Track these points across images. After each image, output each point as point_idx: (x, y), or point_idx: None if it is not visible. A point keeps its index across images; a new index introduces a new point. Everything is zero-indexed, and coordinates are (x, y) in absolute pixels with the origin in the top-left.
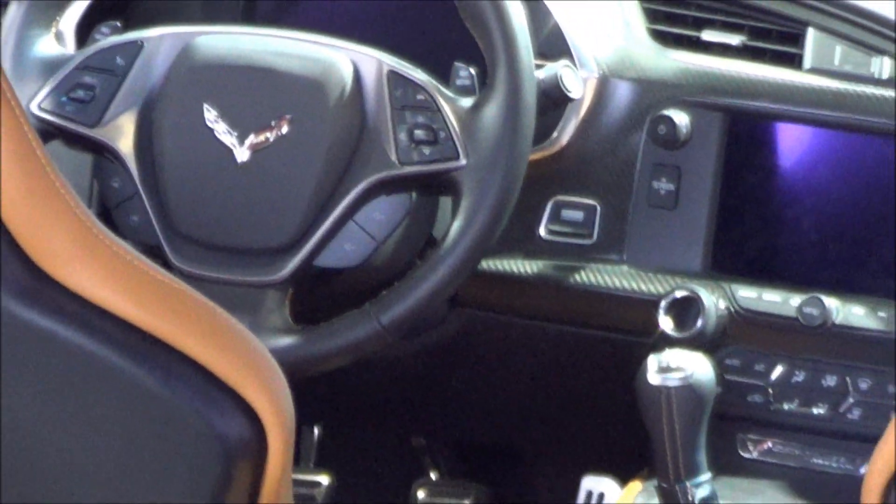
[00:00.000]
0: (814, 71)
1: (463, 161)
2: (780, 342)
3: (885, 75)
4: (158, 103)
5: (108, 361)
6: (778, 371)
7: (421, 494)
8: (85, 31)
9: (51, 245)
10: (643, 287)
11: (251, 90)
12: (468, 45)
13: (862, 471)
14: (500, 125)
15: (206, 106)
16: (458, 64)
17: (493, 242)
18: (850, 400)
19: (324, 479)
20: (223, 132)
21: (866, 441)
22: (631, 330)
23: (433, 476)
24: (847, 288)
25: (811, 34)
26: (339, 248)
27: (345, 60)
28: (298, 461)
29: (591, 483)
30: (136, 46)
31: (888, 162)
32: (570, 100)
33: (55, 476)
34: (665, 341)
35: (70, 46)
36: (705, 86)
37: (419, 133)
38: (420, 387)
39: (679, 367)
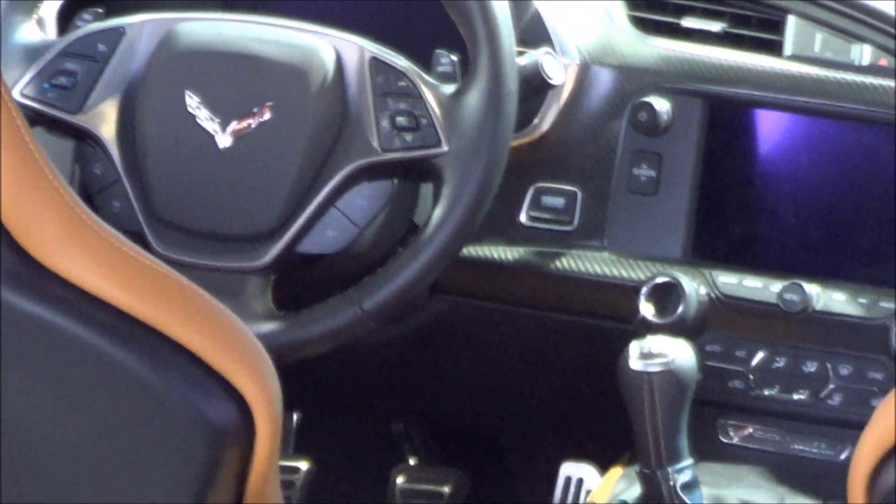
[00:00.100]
0: (794, 58)
1: (445, 147)
2: (761, 328)
3: (865, 62)
4: (140, 90)
5: (98, 347)
6: (759, 357)
7: (400, 480)
8: (67, 18)
9: (41, 232)
10: (624, 273)
11: (233, 77)
12: (449, 33)
13: (842, 456)
14: (481, 112)
15: (188, 92)
16: (439, 51)
17: (476, 229)
18: (831, 386)
19: (303, 465)
20: (205, 118)
21: (847, 427)
22: (611, 316)
23: (412, 462)
24: (827, 274)
25: (791, 21)
26: (321, 234)
27: (327, 47)
28: None
29: (571, 469)
30: (118, 33)
31: (868, 148)
32: (551, 86)
33: (44, 460)
34: (646, 327)
35: (52, 33)
36: (686, 73)
37: (401, 119)
38: (400, 373)
39: (661, 352)
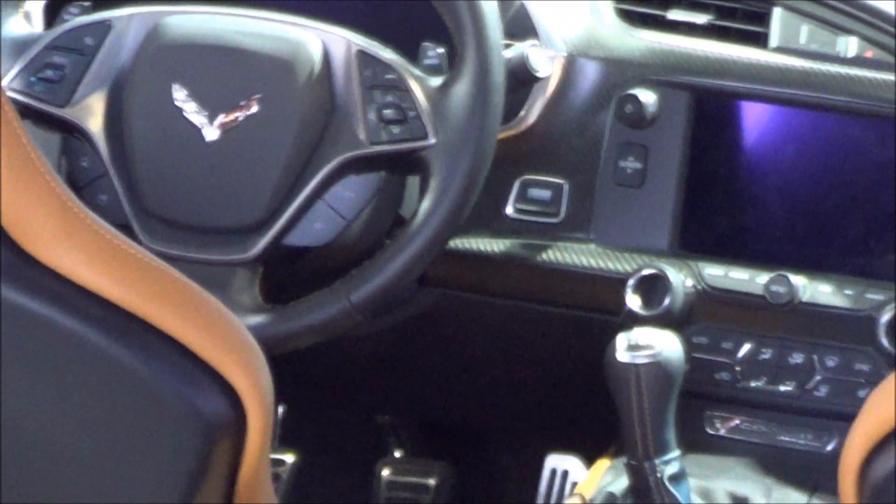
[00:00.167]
0: (780, 50)
1: (432, 140)
2: (748, 320)
3: (851, 54)
4: (128, 83)
5: (90, 341)
6: (745, 349)
7: (385, 473)
8: (54, 12)
9: (34, 226)
10: (610, 265)
11: (220, 70)
12: (436, 25)
13: (829, 447)
14: (468, 104)
15: (175, 85)
16: (426, 44)
17: (463, 221)
18: (817, 377)
19: (288, 458)
20: (192, 112)
21: (833, 418)
22: (598, 308)
23: (398, 454)
24: (814, 266)
25: (777, 13)
26: (308, 226)
27: (314, 40)
28: None
29: (556, 461)
30: (105, 26)
31: (854, 140)
32: (537, 79)
33: (37, 453)
34: (632, 319)
35: (39, 26)
36: (672, 65)
37: (388, 112)
38: (385, 365)
39: (648, 344)
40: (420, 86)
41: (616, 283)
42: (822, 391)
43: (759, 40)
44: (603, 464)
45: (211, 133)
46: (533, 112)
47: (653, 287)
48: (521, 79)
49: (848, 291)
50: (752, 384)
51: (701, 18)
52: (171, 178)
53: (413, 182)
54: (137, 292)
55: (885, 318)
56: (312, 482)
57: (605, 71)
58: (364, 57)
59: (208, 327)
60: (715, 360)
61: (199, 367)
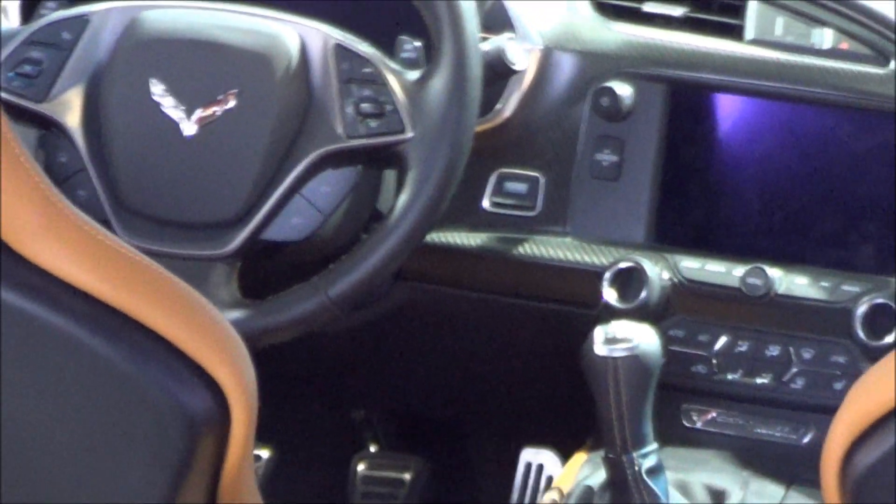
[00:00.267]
0: (755, 42)
1: (409, 134)
2: (724, 312)
3: (826, 46)
4: (105, 78)
5: (74, 337)
6: (722, 341)
7: (361, 467)
8: (31, 6)
9: (17, 220)
10: (587, 259)
11: (198, 64)
12: (413, 19)
13: (805, 440)
14: (446, 98)
15: (153, 80)
16: (402, 37)
17: (440, 215)
18: (794, 369)
19: (263, 453)
20: (170, 106)
21: (809, 410)
22: (575, 301)
23: (373, 449)
24: (790, 258)
25: (752, 5)
26: (286, 221)
27: (291, 34)
28: None
29: (531, 455)
30: (83, 21)
31: (829, 132)
32: (514, 72)
33: (19, 448)
34: (609, 312)
35: (15, 21)
36: (648, 57)
37: (365, 106)
38: (361, 360)
39: (625, 338)
40: (397, 79)
41: (592, 277)
42: (799, 383)
43: (735, 32)
44: (580, 457)
45: (189, 128)
46: (509, 105)
47: (629, 280)
48: (498, 72)
49: (824, 283)
50: (729, 377)
51: (677, 11)
52: (149, 172)
53: (389, 176)
54: (121, 288)
55: (861, 310)
56: (287, 477)
57: (581, 64)
58: (341, 51)
59: (192, 323)
60: (691, 353)
61: (183, 362)
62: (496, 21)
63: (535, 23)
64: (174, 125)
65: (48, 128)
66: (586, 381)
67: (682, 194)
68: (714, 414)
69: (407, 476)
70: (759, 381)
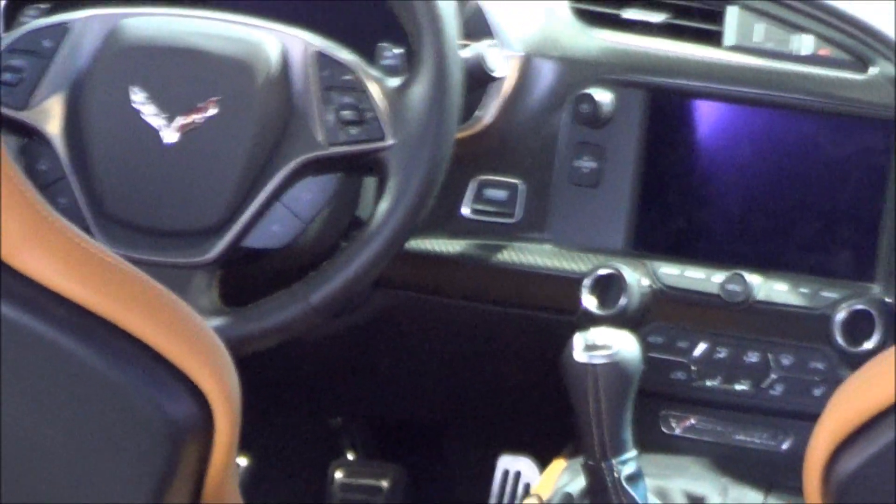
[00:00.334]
0: (735, 48)
1: (390, 141)
2: (703, 319)
3: (806, 52)
4: (86, 85)
5: (58, 344)
6: (701, 348)
7: (338, 475)
8: (11, 14)
9: (3, 229)
10: (566, 265)
11: (178, 72)
12: (393, 26)
13: (784, 446)
14: (426, 105)
15: (133, 88)
16: (383, 44)
17: (421, 222)
18: (773, 376)
19: (241, 461)
20: (151, 114)
21: (788, 417)
22: (554, 308)
23: (350, 457)
24: (769, 264)
25: (732, 12)
26: (266, 228)
27: (272, 41)
28: None
29: (508, 462)
30: (63, 28)
31: (809, 138)
32: (494, 79)
33: (4, 454)
34: (588, 319)
35: None
36: (627, 64)
37: (346, 113)
38: (339, 367)
39: (605, 344)
40: (378, 87)
41: (572, 283)
42: (778, 390)
43: (714, 39)
44: (559, 464)
45: (169, 135)
46: (489, 112)
47: (608, 287)
48: (478, 79)
49: (803, 290)
50: (708, 383)
51: (656, 17)
52: (130, 180)
53: (369, 184)
54: (105, 295)
55: (840, 316)
56: (265, 485)
57: (560, 70)
58: (322, 58)
59: (175, 330)
60: (670, 360)
61: (167, 369)
62: (476, 28)
63: (515, 30)
64: (155, 133)
65: (29, 135)
66: (566, 387)
67: (661, 201)
68: (693, 420)
69: (384, 483)
70: (738, 387)
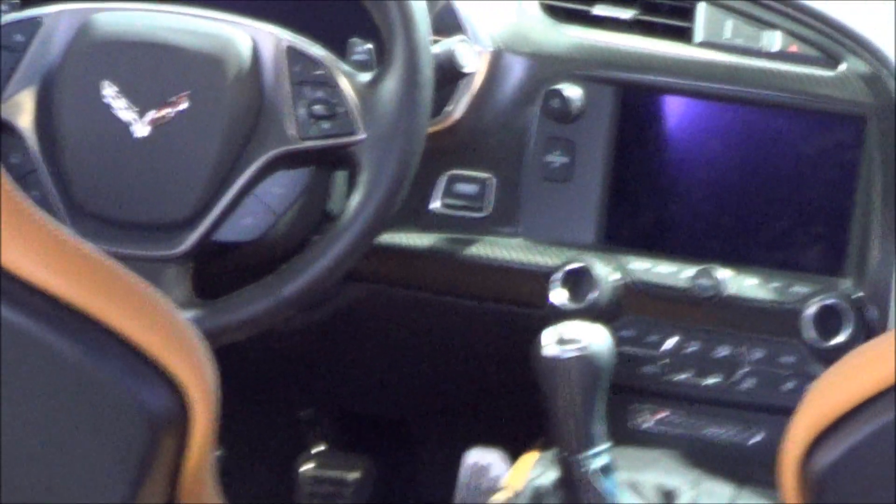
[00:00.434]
0: (704, 45)
1: (361, 135)
2: (674, 313)
3: (775, 49)
4: (58, 79)
5: (33, 334)
6: (671, 342)
7: (307, 467)
8: None
9: None
10: (537, 259)
11: (150, 66)
12: (364, 21)
13: (754, 440)
14: (398, 100)
15: (105, 82)
16: (354, 39)
17: (392, 216)
18: (743, 370)
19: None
20: (122, 108)
21: (758, 411)
22: (524, 302)
23: (319, 449)
24: (739, 259)
25: (701, 8)
26: (238, 222)
27: (243, 36)
28: None
29: (477, 456)
30: (35, 23)
31: (779, 134)
32: (465, 74)
33: None
34: (559, 313)
35: None
36: (597, 60)
37: (318, 108)
38: (308, 360)
39: (576, 338)
40: (349, 81)
41: (542, 277)
42: (748, 384)
43: (684, 35)
44: (531, 457)
45: (141, 129)
46: (459, 107)
47: (579, 281)
48: (449, 74)
49: (773, 284)
50: (679, 377)
51: (626, 14)
52: (102, 174)
53: (340, 178)
54: (81, 286)
55: (810, 310)
56: (233, 477)
57: (531, 66)
58: (293, 53)
59: (152, 321)
60: (641, 354)
61: (144, 361)
62: (446, 23)
63: (485, 25)
64: (126, 127)
65: (0, 129)
66: (537, 381)
67: (631, 196)
68: (664, 414)
69: (353, 476)
70: (708, 381)
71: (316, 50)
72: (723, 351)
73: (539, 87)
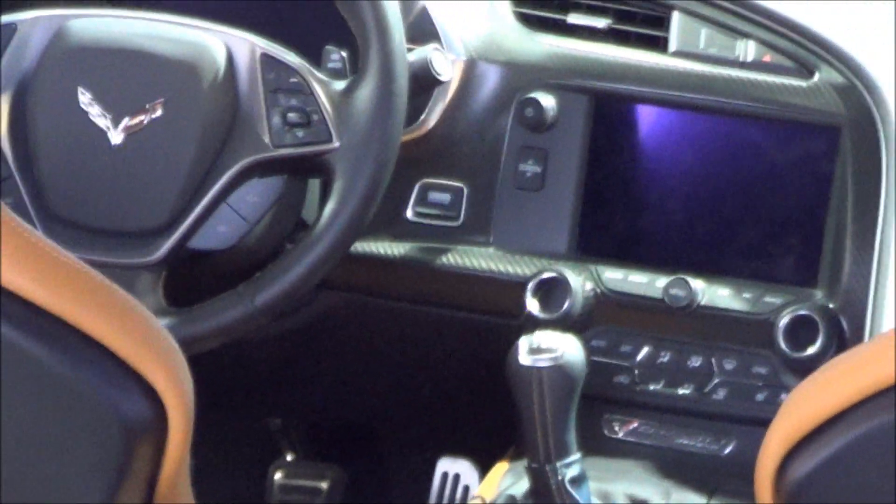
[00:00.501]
0: (679, 54)
1: (336, 143)
2: (647, 323)
3: (750, 59)
4: (32, 86)
5: (11, 341)
6: (644, 352)
7: (278, 476)
8: None
9: None
10: (510, 269)
11: (125, 73)
12: (339, 29)
13: (727, 450)
14: (372, 108)
15: (80, 89)
16: (328, 47)
17: (366, 225)
18: (716, 380)
19: None
20: (97, 115)
21: (731, 421)
22: (498, 312)
23: (290, 458)
24: (713, 269)
25: (676, 17)
26: (212, 229)
27: (218, 44)
28: None
29: (448, 465)
30: (10, 29)
31: (753, 144)
32: (440, 82)
33: None
34: (532, 323)
35: None
36: (571, 69)
37: (292, 116)
38: (280, 368)
39: (550, 348)
40: (324, 89)
41: (515, 287)
42: (721, 394)
43: (659, 44)
44: (502, 466)
45: (116, 136)
46: (433, 115)
47: (552, 290)
48: (424, 82)
49: (746, 295)
50: (651, 387)
51: (600, 23)
52: (76, 181)
53: (314, 186)
54: (59, 294)
55: (784, 321)
56: (204, 486)
57: (505, 75)
58: (268, 60)
59: (128, 328)
60: (614, 364)
61: (120, 368)
62: (421, 32)
63: (460, 34)
64: (101, 133)
65: None
66: (509, 390)
67: (605, 205)
68: (636, 424)
69: (324, 485)
70: (681, 391)
71: (291, 57)
72: (695, 361)
73: (512, 96)
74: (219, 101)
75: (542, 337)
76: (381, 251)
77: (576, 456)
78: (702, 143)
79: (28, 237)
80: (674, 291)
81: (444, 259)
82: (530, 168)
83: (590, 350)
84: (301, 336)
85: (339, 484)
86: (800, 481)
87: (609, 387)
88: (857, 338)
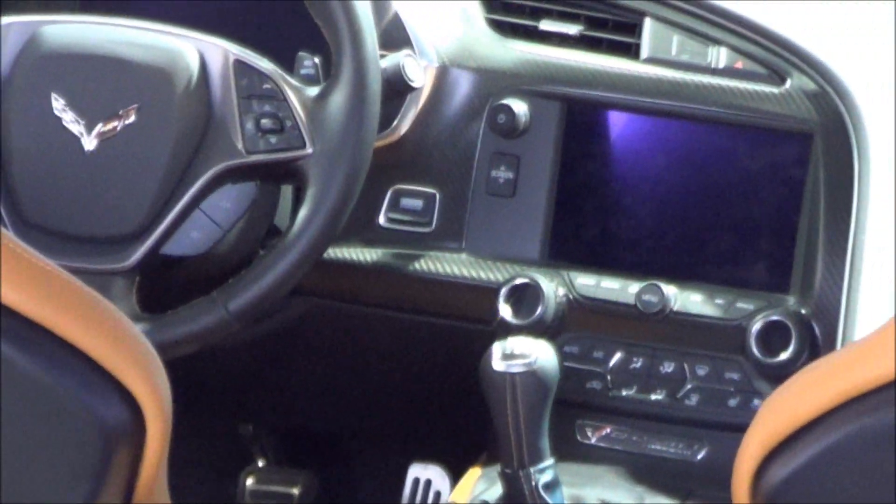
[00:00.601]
0: (651, 60)
1: (309, 150)
2: (619, 329)
3: (721, 65)
4: (5, 92)
5: None
6: (616, 358)
7: (249, 482)
8: None
9: None
10: (482, 275)
11: (98, 79)
12: (312, 35)
13: (699, 456)
14: (345, 114)
15: (53, 95)
16: (302, 53)
17: (339, 231)
18: (688, 386)
19: None
20: (71, 121)
21: (703, 427)
22: (470, 317)
23: (261, 464)
24: (685, 275)
25: (648, 24)
26: (185, 235)
27: (191, 50)
28: None
29: (419, 471)
30: None
31: (725, 151)
32: (412, 89)
33: None
34: (505, 329)
35: None
36: (543, 75)
37: (265, 122)
38: (253, 374)
39: (523, 353)
40: (297, 95)
41: (488, 293)
42: (693, 400)
43: (631, 51)
44: (475, 472)
45: (89, 142)
46: (405, 122)
47: (524, 296)
48: (397, 88)
49: (718, 301)
50: (624, 393)
51: (572, 29)
52: (49, 186)
53: (286, 192)
54: (37, 299)
55: (756, 327)
56: (174, 492)
57: (477, 81)
58: (241, 66)
59: (106, 334)
60: (586, 369)
61: (98, 373)
62: (394, 38)
63: (432, 40)
64: (75, 139)
65: None
66: (483, 396)
67: (577, 211)
68: (609, 430)
69: (295, 491)
70: (653, 397)
71: (264, 63)
72: (668, 367)
73: (485, 102)
74: (192, 107)
75: (516, 343)
76: (354, 257)
77: (549, 461)
78: (674, 149)
79: (6, 242)
80: (646, 297)
81: (416, 265)
82: (503, 174)
83: (562, 356)
84: (273, 342)
85: (311, 490)
86: (777, 485)
87: (582, 392)
88: (830, 343)
